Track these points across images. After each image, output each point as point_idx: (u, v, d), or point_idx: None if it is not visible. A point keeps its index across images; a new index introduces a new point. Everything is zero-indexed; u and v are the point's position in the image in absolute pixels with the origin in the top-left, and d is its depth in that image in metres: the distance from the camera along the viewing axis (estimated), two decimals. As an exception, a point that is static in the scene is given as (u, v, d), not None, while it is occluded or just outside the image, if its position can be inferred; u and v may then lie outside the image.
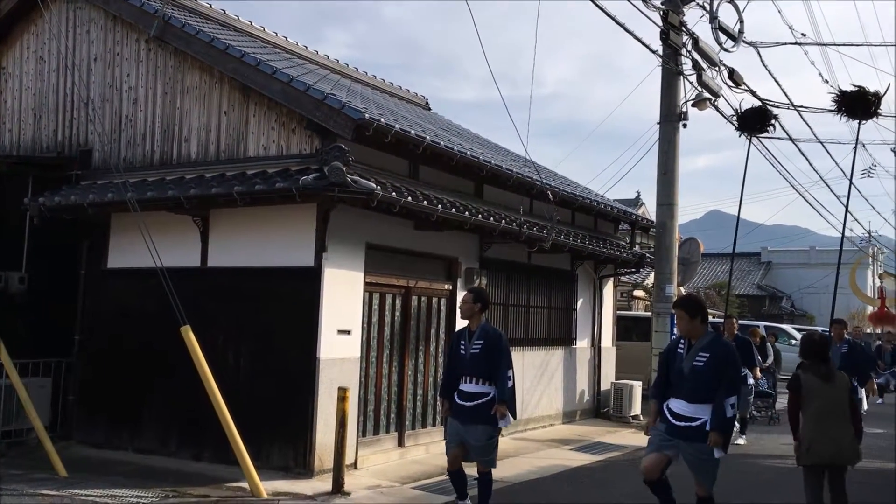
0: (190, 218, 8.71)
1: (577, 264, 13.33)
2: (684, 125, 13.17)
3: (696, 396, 5.50)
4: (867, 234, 36.87)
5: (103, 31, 10.05)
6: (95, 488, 7.23)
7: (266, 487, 7.17)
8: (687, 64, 13.03)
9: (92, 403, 9.46)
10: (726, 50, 13.18)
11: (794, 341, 24.17)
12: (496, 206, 10.48)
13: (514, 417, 6.62)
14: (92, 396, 9.48)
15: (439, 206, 8.57)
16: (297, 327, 8.13)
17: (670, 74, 13.05)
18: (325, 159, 7.46)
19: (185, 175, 8.83)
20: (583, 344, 13.63)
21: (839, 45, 48.67)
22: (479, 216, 9.34)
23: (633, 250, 14.67)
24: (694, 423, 5.47)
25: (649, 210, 25.13)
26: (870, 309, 30.91)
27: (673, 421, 5.57)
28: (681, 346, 5.73)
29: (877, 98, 8.89)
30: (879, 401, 18.67)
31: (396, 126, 8.18)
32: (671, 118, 13.12)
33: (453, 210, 8.83)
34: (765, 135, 10.70)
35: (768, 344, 14.63)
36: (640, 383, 13.81)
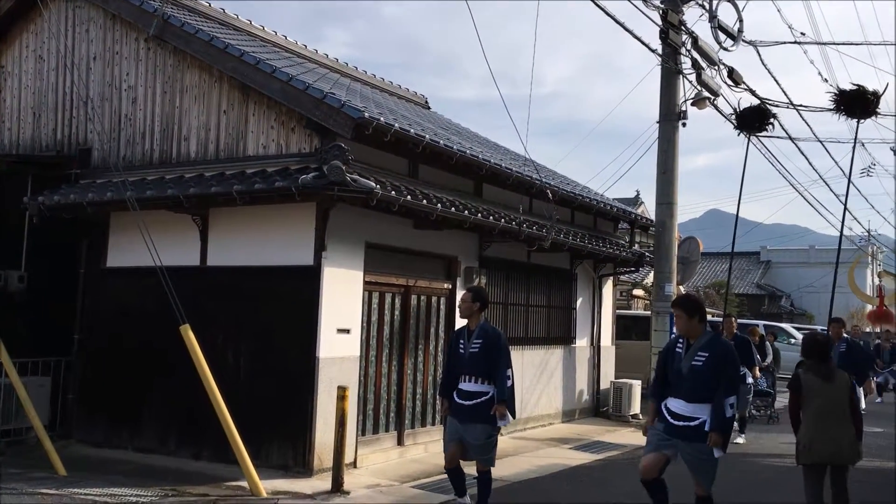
0: (189, 217, 8.71)
1: (577, 263, 13.34)
2: (684, 124, 13.16)
3: (694, 396, 5.49)
4: (866, 233, 36.87)
5: (102, 30, 10.05)
6: (95, 487, 7.23)
7: (265, 486, 7.17)
8: (686, 63, 13.03)
9: (91, 402, 9.46)
10: (726, 49, 13.18)
11: (793, 340, 24.18)
12: (496, 205, 10.49)
13: (514, 416, 6.63)
14: (91, 395, 9.48)
15: (439, 204, 8.57)
16: (296, 326, 8.13)
17: (670, 73, 13.05)
18: (325, 158, 7.46)
19: (184, 174, 8.83)
20: (582, 343, 13.64)
21: (838, 44, 48.63)
22: (479, 215, 9.34)
23: (633, 249, 14.67)
24: (692, 423, 5.46)
25: (649, 209, 25.13)
26: (869, 308, 30.94)
27: (671, 420, 5.56)
28: (679, 345, 5.72)
29: (875, 97, 8.90)
30: (878, 399, 18.69)
31: (396, 125, 8.19)
32: (671, 117, 13.12)
33: (453, 209, 8.83)
34: (764, 133, 10.72)
35: (767, 343, 14.63)
36: (639, 382, 13.81)
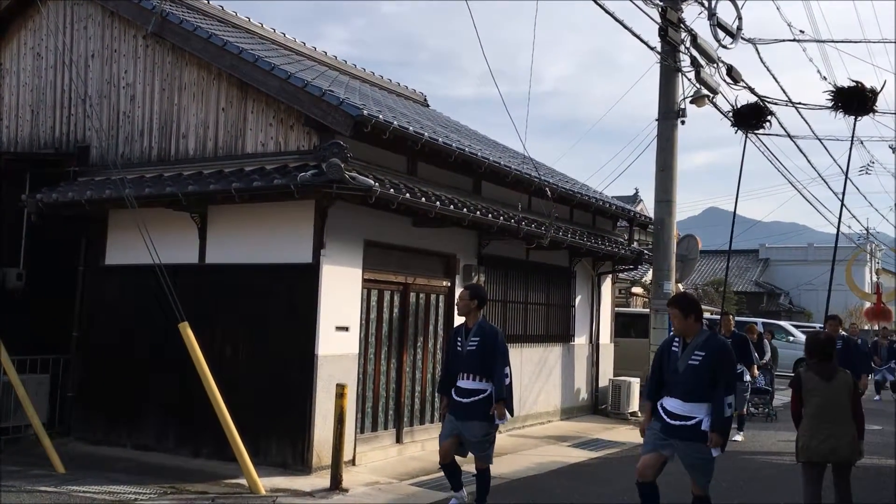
0: (188, 215, 8.70)
1: (576, 261, 13.35)
2: (683, 122, 13.15)
3: (691, 395, 5.45)
4: (865, 231, 36.90)
5: (101, 28, 10.04)
6: (93, 485, 7.24)
7: (264, 484, 7.18)
8: (685, 61, 13.00)
9: (90, 400, 9.46)
10: (725, 47, 13.16)
11: (791, 338, 24.22)
12: (494, 202, 10.49)
13: (512, 414, 6.63)
14: (90, 393, 9.48)
15: (437, 202, 8.58)
16: (295, 324, 8.13)
17: (669, 71, 13.04)
18: (324, 156, 7.46)
19: (182, 171, 8.83)
20: (581, 340, 13.65)
21: (837, 42, 48.73)
22: (478, 213, 9.34)
23: (632, 247, 14.67)
24: (689, 423, 5.42)
25: (647, 207, 25.13)
26: (867, 305, 30.99)
27: (668, 420, 5.52)
28: (675, 344, 5.67)
29: (873, 94, 8.90)
30: (877, 398, 18.71)
31: (395, 122, 8.18)
32: (669, 115, 13.11)
33: (451, 207, 8.83)
34: (761, 131, 10.71)
35: (765, 341, 14.64)
36: (638, 380, 13.82)
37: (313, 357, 7.98)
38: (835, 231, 9.44)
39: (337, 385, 7.51)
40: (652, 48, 12.53)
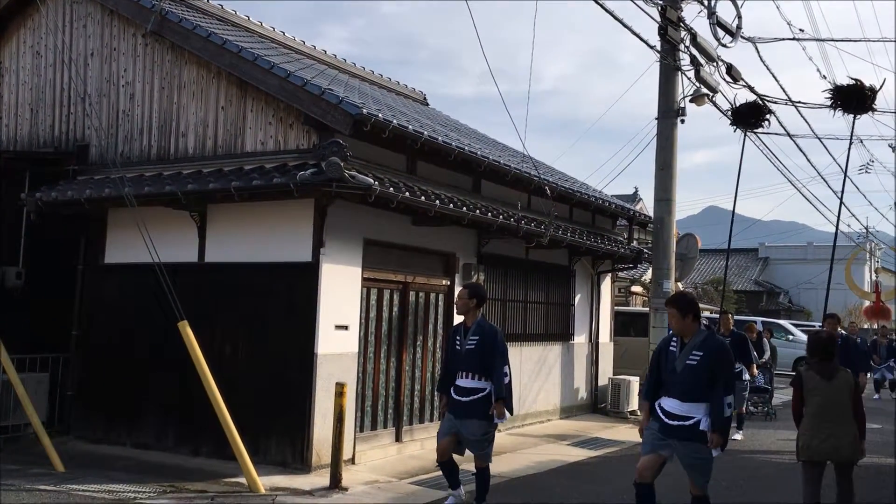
0: (187, 213, 8.70)
1: (575, 260, 13.35)
2: (682, 121, 13.14)
3: (689, 395, 5.42)
4: (864, 230, 36.93)
5: (100, 26, 10.03)
6: (93, 483, 7.24)
7: (264, 482, 7.18)
8: (685, 59, 13.00)
9: (90, 399, 9.46)
10: (724, 45, 13.15)
11: (790, 337, 24.23)
12: (494, 201, 10.48)
13: (511, 413, 6.63)
14: (90, 392, 9.48)
15: (437, 201, 8.57)
16: (294, 322, 8.13)
17: (668, 70, 13.03)
18: (323, 154, 7.45)
19: (182, 170, 8.82)
20: (580, 339, 13.65)
21: (837, 40, 48.72)
22: (477, 211, 9.34)
23: (631, 246, 14.67)
24: (687, 423, 5.40)
25: (647, 206, 25.13)
26: (866, 303, 31.01)
27: (666, 420, 5.50)
28: (673, 344, 5.65)
29: (872, 92, 8.90)
30: (876, 396, 18.72)
31: (394, 121, 8.18)
32: (669, 114, 13.10)
33: (451, 205, 8.83)
34: (761, 130, 10.73)
35: (765, 340, 14.64)
36: (637, 379, 13.82)
37: (313, 356, 7.98)
38: (834, 230, 9.45)
39: (336, 384, 7.51)
40: (651, 47, 12.53)
